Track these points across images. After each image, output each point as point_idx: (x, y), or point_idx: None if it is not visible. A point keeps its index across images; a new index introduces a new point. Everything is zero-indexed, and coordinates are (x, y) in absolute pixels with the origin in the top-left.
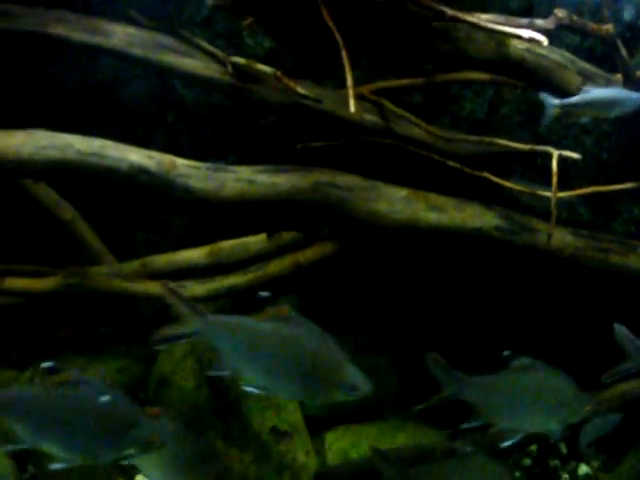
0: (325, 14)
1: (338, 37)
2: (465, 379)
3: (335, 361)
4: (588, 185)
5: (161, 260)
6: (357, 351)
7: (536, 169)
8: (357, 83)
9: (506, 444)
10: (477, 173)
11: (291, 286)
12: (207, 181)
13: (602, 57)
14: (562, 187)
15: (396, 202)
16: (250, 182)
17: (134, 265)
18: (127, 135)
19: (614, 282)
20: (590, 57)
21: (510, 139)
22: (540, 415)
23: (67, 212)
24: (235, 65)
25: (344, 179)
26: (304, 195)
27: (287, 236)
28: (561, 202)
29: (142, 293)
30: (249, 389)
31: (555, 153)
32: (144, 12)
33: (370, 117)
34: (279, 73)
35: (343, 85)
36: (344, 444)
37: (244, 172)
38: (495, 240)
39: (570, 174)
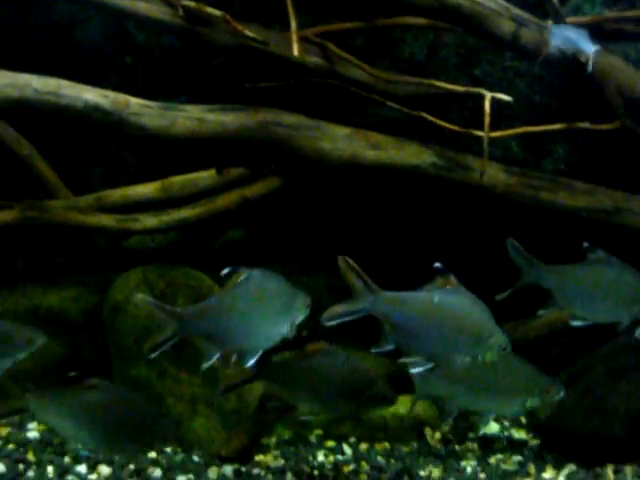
0: None
1: None
2: (544, 267)
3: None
4: (521, 125)
5: (115, 194)
6: (301, 273)
7: (473, 110)
8: (302, 27)
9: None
10: (414, 113)
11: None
12: (159, 119)
13: (536, 4)
14: (496, 127)
15: (339, 140)
16: (200, 120)
17: (89, 199)
18: (82, 75)
19: (544, 217)
20: (524, 4)
21: (448, 81)
22: (612, 306)
23: (25, 148)
24: (185, 8)
25: (289, 118)
26: (251, 133)
27: (235, 172)
28: (495, 141)
29: (96, 225)
30: None
31: (488, 95)
32: None
33: (314, 59)
34: (227, 16)
35: (289, 28)
36: None
37: (194, 111)
38: (431, 176)
39: (504, 115)
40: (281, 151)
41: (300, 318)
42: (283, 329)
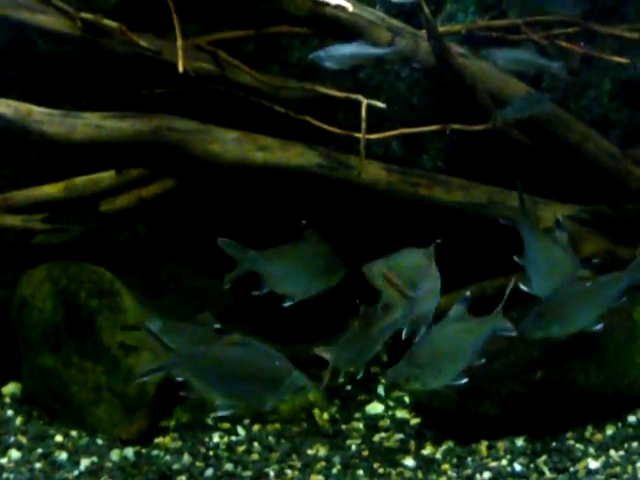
0: None
1: (171, 5)
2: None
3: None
4: (401, 126)
5: (21, 195)
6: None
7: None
8: (195, 34)
9: None
10: (299, 117)
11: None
12: (59, 126)
13: (412, 14)
14: (379, 127)
15: (228, 143)
16: (98, 127)
17: None
18: None
19: (422, 212)
20: (401, 14)
21: (335, 84)
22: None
23: None
24: (84, 20)
25: (182, 123)
26: (146, 138)
27: (134, 172)
28: (377, 141)
29: (3, 225)
30: None
31: (364, 102)
32: None
33: (207, 66)
34: (123, 27)
35: (184, 37)
36: None
37: (92, 118)
38: (317, 175)
39: (386, 116)
40: (174, 154)
41: (284, 394)
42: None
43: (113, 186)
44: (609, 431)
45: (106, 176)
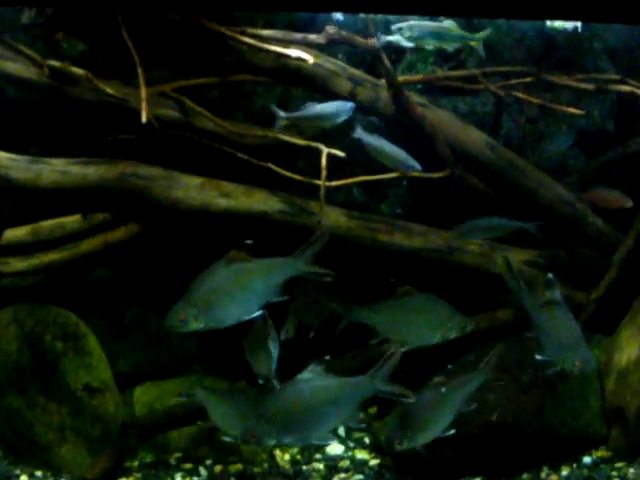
0: (124, 34)
1: (135, 56)
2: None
3: None
4: (362, 173)
5: None
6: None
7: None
8: (162, 82)
9: None
10: (262, 164)
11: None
12: (25, 172)
13: (373, 64)
14: (340, 174)
15: (191, 189)
16: (64, 173)
17: None
18: None
19: (382, 257)
20: (362, 64)
21: (298, 131)
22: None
23: None
24: (51, 68)
25: (146, 170)
26: (111, 184)
27: (100, 217)
28: (339, 187)
29: None
30: None
31: (325, 151)
32: None
33: (172, 113)
34: (90, 75)
35: (151, 84)
36: (149, 397)
37: (58, 164)
38: (279, 222)
39: (348, 162)
40: (139, 200)
41: None
42: None
43: (79, 230)
44: (564, 472)
45: (72, 220)
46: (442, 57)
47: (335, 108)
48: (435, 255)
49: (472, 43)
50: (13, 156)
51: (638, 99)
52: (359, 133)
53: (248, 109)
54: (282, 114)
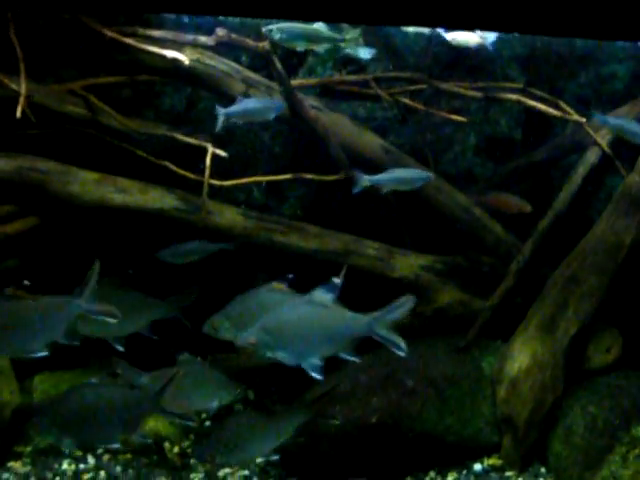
0: (12, 34)
1: (20, 53)
2: None
3: None
4: (263, 173)
5: None
6: None
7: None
8: (71, 80)
9: None
10: (159, 162)
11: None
12: None
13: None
14: (243, 174)
15: (88, 184)
16: None
17: None
18: None
19: (278, 257)
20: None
21: (205, 130)
22: None
23: None
24: None
25: (43, 164)
26: (9, 176)
27: (5, 208)
28: (240, 187)
29: None
30: None
31: (210, 150)
32: None
33: (78, 110)
34: None
35: (62, 81)
36: (48, 386)
37: None
38: (174, 218)
39: (250, 163)
40: (37, 193)
41: None
42: None
43: None
44: (450, 478)
45: None
46: (342, 62)
47: (415, 175)
48: (331, 257)
49: (342, 44)
50: None
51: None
52: None
53: (158, 108)
54: (365, 177)
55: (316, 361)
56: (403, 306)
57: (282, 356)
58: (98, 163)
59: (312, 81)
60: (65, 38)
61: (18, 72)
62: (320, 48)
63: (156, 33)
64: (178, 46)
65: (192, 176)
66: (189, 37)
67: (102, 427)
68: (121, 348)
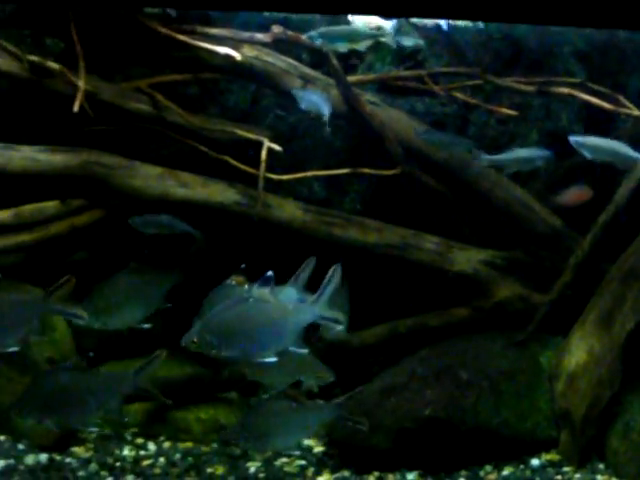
0: (73, 32)
1: (79, 49)
2: None
3: None
4: (323, 168)
5: None
6: None
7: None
8: (139, 77)
9: None
10: (219, 156)
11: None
12: None
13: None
14: (302, 169)
15: (151, 178)
16: (32, 159)
17: None
18: None
19: (337, 250)
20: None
21: (269, 126)
22: None
23: None
24: (30, 62)
25: (108, 158)
26: (75, 171)
27: (77, 202)
28: (302, 182)
29: None
30: None
31: (266, 144)
32: None
33: (144, 107)
34: (64, 69)
35: (130, 79)
36: None
37: (27, 151)
38: (235, 212)
39: (310, 157)
40: (101, 187)
41: None
42: None
43: (57, 214)
44: (505, 472)
45: (51, 205)
46: (399, 57)
47: (535, 154)
48: (389, 251)
49: (383, 39)
50: None
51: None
52: None
53: (223, 106)
54: (485, 157)
55: (268, 356)
56: (334, 277)
57: (228, 354)
58: (162, 158)
59: (370, 77)
60: (132, 36)
61: (89, 71)
62: (361, 46)
63: (214, 31)
64: (236, 43)
65: (252, 171)
66: (245, 35)
67: (80, 408)
68: (147, 326)
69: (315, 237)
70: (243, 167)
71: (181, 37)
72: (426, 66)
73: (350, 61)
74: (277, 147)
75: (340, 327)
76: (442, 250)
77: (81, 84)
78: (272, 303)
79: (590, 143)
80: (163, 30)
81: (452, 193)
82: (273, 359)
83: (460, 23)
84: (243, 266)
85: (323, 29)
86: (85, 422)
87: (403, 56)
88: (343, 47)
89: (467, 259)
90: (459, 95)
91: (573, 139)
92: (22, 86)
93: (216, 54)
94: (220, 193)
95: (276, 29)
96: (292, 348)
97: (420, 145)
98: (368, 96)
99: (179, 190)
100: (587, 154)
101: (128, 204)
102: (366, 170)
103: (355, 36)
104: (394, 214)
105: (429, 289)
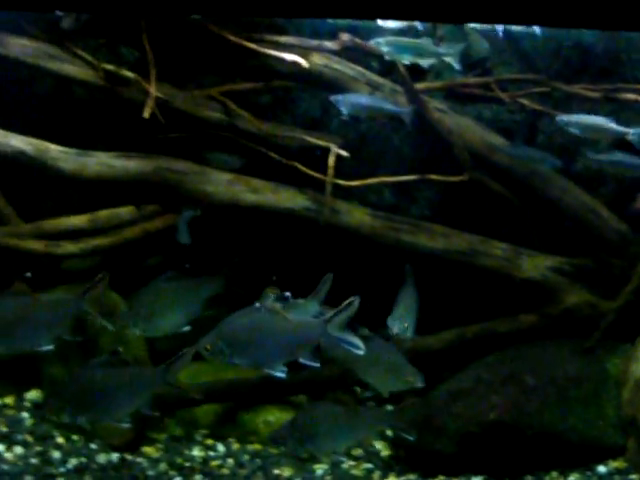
0: (144, 40)
1: (150, 57)
2: None
3: None
4: (392, 174)
5: (51, 223)
6: None
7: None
8: (211, 86)
9: None
10: (289, 163)
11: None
12: (72, 163)
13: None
14: (372, 175)
15: (221, 184)
16: (107, 165)
17: (30, 227)
18: (26, 123)
19: (405, 256)
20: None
21: (339, 134)
22: None
23: None
24: (105, 70)
25: (180, 165)
26: (148, 177)
27: (151, 208)
28: (371, 188)
29: (27, 249)
30: None
31: (334, 150)
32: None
33: (217, 114)
34: (138, 77)
35: (203, 87)
36: (184, 377)
37: (102, 157)
38: (305, 218)
39: (379, 164)
40: (173, 193)
41: None
42: None
43: (132, 219)
44: (571, 478)
45: (126, 210)
46: (467, 65)
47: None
48: (457, 257)
49: (447, 58)
50: (63, 148)
51: None
52: None
53: (294, 113)
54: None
55: (278, 367)
56: (351, 306)
57: (239, 362)
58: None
59: (437, 84)
60: (204, 45)
61: (163, 80)
62: (424, 62)
63: (283, 39)
64: (305, 51)
65: (322, 177)
66: (314, 42)
67: (111, 404)
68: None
69: (383, 243)
70: (312, 173)
71: (250, 45)
72: (494, 73)
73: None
74: (344, 153)
75: (360, 352)
76: (510, 256)
77: (152, 91)
78: (283, 316)
79: (576, 120)
80: (233, 38)
81: (520, 199)
82: (283, 371)
83: (528, 30)
84: (274, 278)
85: (390, 38)
86: (118, 417)
87: (471, 63)
88: (407, 59)
89: (535, 266)
90: (526, 102)
91: (559, 119)
92: (98, 94)
93: (285, 62)
94: (290, 199)
95: (344, 37)
96: (303, 361)
97: (487, 152)
98: (436, 103)
99: (249, 196)
100: (575, 131)
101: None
102: (434, 177)
103: (420, 51)
104: (463, 220)
105: (497, 295)
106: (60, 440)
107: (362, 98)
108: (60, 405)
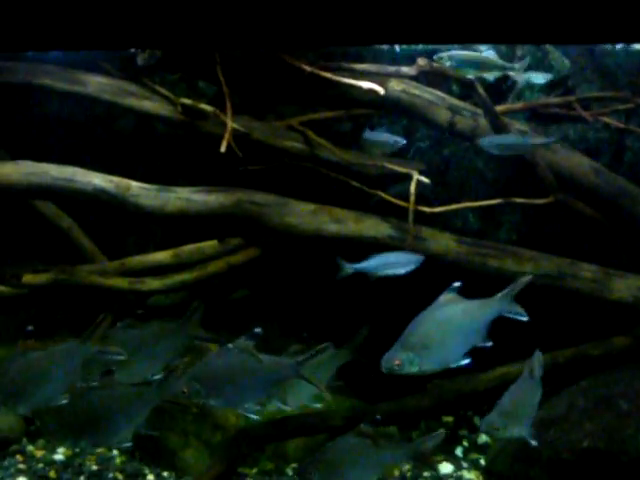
0: (219, 72)
1: (225, 89)
2: None
3: None
4: (476, 199)
5: (136, 260)
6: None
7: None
8: (290, 116)
9: None
10: (372, 192)
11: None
12: (153, 200)
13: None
14: (458, 200)
15: (304, 216)
16: (188, 200)
17: (115, 264)
18: (108, 160)
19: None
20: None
21: (424, 160)
22: None
23: (65, 222)
24: (183, 105)
25: (261, 197)
26: (229, 210)
27: (234, 241)
28: (455, 213)
29: (112, 286)
30: None
31: (415, 177)
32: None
33: (297, 144)
34: (217, 111)
35: (282, 117)
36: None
37: (183, 192)
38: (388, 246)
39: (465, 189)
40: (255, 225)
41: None
42: None
43: (215, 253)
44: None
45: (209, 245)
46: (549, 85)
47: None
48: (546, 281)
49: (512, 73)
50: (143, 185)
51: None
52: None
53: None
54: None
55: (251, 406)
56: (323, 351)
57: (214, 403)
58: (314, 195)
59: (518, 106)
60: (282, 76)
61: (242, 112)
62: (489, 76)
63: (360, 66)
64: (383, 78)
65: (403, 204)
66: (391, 69)
67: (109, 426)
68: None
69: (469, 269)
70: (394, 201)
71: (325, 74)
72: (577, 92)
73: (500, 88)
74: (425, 180)
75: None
76: (600, 278)
77: (229, 123)
78: (256, 357)
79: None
80: (308, 68)
81: (608, 220)
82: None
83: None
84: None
85: (453, 52)
86: (120, 439)
87: (553, 83)
88: (471, 74)
89: (626, 287)
90: (610, 120)
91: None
92: (178, 129)
93: (362, 90)
94: (373, 227)
95: (421, 62)
96: (276, 403)
97: (573, 172)
98: (518, 125)
99: (332, 226)
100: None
101: (281, 241)
102: (518, 200)
103: (485, 65)
104: (550, 243)
105: (587, 318)
106: (150, 477)
107: (508, 138)
108: (61, 431)
